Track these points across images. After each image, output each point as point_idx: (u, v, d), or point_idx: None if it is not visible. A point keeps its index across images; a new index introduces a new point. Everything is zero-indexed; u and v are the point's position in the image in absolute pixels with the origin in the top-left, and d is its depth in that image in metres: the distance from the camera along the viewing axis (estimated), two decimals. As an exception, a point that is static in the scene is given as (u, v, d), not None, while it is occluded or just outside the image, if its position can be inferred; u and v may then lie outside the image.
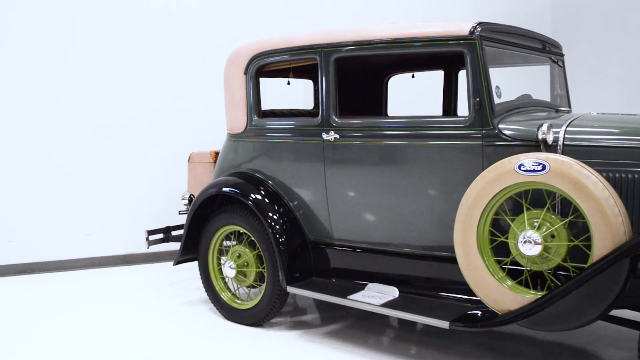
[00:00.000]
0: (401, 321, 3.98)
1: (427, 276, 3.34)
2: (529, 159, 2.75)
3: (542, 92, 4.03)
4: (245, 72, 3.85)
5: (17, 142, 5.18)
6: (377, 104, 4.79)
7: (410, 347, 3.57)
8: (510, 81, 4.21)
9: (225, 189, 3.85)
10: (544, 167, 2.71)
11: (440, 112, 4.59)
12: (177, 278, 5.06)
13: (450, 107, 4.56)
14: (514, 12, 6.77)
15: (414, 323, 3.92)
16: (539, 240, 2.71)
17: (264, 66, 3.80)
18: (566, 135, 2.92)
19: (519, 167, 2.77)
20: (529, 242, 2.74)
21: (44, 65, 5.23)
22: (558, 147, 2.92)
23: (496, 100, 3.07)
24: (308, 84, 4.79)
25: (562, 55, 3.91)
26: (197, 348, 3.56)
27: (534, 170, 2.72)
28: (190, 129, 5.53)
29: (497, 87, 3.11)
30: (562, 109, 3.42)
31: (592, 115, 3.20)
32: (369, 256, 3.54)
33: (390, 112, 4.85)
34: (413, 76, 4.64)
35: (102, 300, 4.49)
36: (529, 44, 3.54)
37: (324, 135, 3.50)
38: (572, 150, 2.90)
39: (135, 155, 5.45)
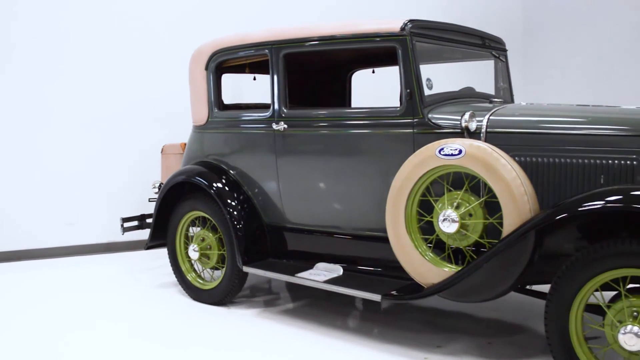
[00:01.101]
0: (358, 301, 4.24)
1: (370, 255, 3.59)
2: (447, 145, 3.00)
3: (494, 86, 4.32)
4: (206, 68, 4.13)
5: (2, 135, 5.46)
6: (341, 97, 5.04)
7: (359, 323, 3.84)
8: (462, 75, 4.49)
9: (189, 178, 4.12)
10: (460, 152, 2.96)
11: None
12: (154, 264, 5.34)
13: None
14: (485, 11, 7.02)
15: (370, 302, 4.19)
16: (456, 218, 2.97)
17: (223, 62, 4.07)
18: (489, 123, 3.17)
19: (439, 151, 3.02)
20: (447, 220, 3.00)
21: (33, 64, 5.52)
22: (481, 134, 3.17)
23: (427, 92, 3.32)
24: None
25: (504, 50, 4.14)
26: (164, 326, 3.81)
27: (451, 155, 2.98)
28: (165, 122, 5.77)
29: (428, 80, 3.36)
30: (497, 100, 3.65)
31: (516, 105, 3.45)
32: (319, 238, 3.80)
33: (354, 105, 5.10)
34: (373, 72, 4.89)
35: (82, 287, 4.74)
36: (468, 40, 3.78)
37: (274, 126, 3.77)
38: (493, 136, 3.15)
39: (116, 148, 5.72)
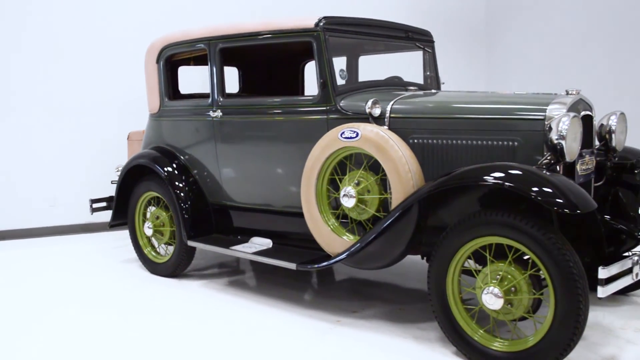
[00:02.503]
0: (296, 273, 4.63)
1: (297, 230, 3.95)
2: (347, 128, 3.37)
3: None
4: (157, 62, 4.52)
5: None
6: (294, 86, 5.40)
7: (293, 292, 4.23)
8: (397, 65, 4.82)
9: (142, 162, 4.53)
10: (357, 135, 3.32)
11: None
12: (124, 242, 5.72)
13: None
14: (449, 7, 7.35)
15: (306, 274, 4.58)
16: (354, 194, 3.34)
17: (171, 56, 4.46)
18: (392, 109, 3.52)
19: (341, 135, 3.39)
20: (346, 196, 3.37)
21: (19, 57, 5.95)
22: (385, 119, 3.52)
23: (340, 82, 3.67)
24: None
25: (431, 42, 4.47)
26: (121, 296, 4.21)
27: (350, 137, 3.34)
28: (133, 111, 6.10)
29: (342, 70, 3.71)
30: (411, 87, 3.99)
31: (421, 93, 3.78)
32: (255, 215, 4.19)
33: (307, 93, 5.46)
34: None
35: (55, 264, 5.13)
36: (388, 33, 4.11)
37: (211, 113, 4.16)
38: (395, 121, 3.49)
39: (93, 135, 6.11)
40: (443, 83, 4.53)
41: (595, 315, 3.60)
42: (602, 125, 3.55)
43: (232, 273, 4.75)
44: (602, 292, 2.58)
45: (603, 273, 2.57)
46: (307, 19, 3.64)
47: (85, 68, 6.13)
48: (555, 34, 6.22)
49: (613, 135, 3.52)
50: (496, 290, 2.83)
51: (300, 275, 4.60)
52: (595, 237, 2.98)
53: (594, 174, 3.40)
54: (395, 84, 4.12)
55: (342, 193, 3.38)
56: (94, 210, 5.20)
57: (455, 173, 2.97)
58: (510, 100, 3.38)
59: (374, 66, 4.99)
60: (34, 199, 6.02)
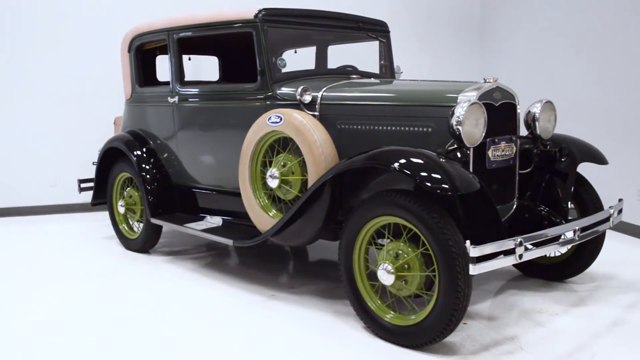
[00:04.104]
0: (254, 251, 4.89)
1: (243, 210, 4.19)
2: (273, 114, 3.58)
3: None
4: (129, 51, 4.84)
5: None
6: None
7: (244, 269, 4.49)
8: (360, 55, 4.96)
9: (115, 144, 4.86)
10: (280, 119, 3.53)
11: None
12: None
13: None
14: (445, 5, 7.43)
15: (260, 252, 4.84)
16: (277, 175, 3.55)
17: (141, 46, 4.77)
18: (322, 97, 3.70)
19: (268, 120, 3.61)
20: (271, 177, 3.58)
21: (17, 48, 6.41)
22: (316, 106, 3.71)
23: (282, 70, 3.88)
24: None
25: (386, 32, 4.60)
26: (93, 267, 4.57)
27: (275, 122, 3.55)
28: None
29: (282, 59, 3.91)
30: (354, 76, 4.15)
31: (353, 82, 3.92)
32: (212, 195, 4.45)
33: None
34: (295, 52, 5.44)
35: (47, 239, 5.56)
36: (337, 24, 4.27)
37: (169, 99, 4.44)
38: (325, 107, 3.68)
39: (90, 120, 6.50)
40: (401, 72, 4.66)
41: (520, 299, 3.71)
42: (528, 113, 3.63)
43: (199, 251, 5.05)
44: (473, 269, 2.70)
45: (474, 252, 2.69)
46: (248, 11, 3.86)
47: (84, 55, 6.51)
48: (549, 26, 6.20)
49: (537, 123, 3.60)
50: (389, 266, 3.00)
51: (262, 253, 4.86)
52: (491, 217, 3.08)
53: (514, 160, 3.48)
54: (343, 73, 4.29)
55: (267, 174, 3.60)
56: (81, 189, 5.59)
57: (355, 157, 3.13)
58: (429, 88, 3.51)
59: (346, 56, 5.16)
60: (37, 179, 6.48)
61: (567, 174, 3.69)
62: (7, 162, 6.40)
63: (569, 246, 3.83)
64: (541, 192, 3.73)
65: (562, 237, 3.25)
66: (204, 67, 6.29)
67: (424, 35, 7.41)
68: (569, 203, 3.71)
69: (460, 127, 3.01)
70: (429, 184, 2.80)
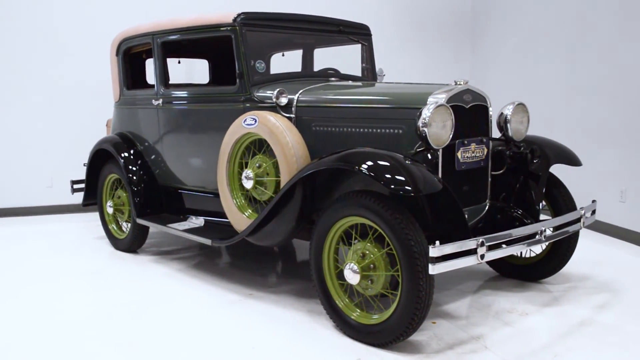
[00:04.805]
0: (239, 252, 4.96)
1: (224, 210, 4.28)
2: (249, 116, 3.65)
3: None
4: (117, 54, 4.94)
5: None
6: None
7: (228, 268, 4.56)
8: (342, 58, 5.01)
9: (104, 146, 4.96)
10: (255, 121, 3.60)
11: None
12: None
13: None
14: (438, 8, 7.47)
15: (246, 252, 4.91)
16: (252, 176, 3.62)
17: (128, 49, 4.86)
18: (298, 99, 3.77)
19: (244, 122, 3.68)
20: (246, 178, 3.66)
21: (12, 48, 6.54)
22: (292, 108, 3.78)
23: (258, 73, 3.95)
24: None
25: (367, 35, 4.66)
26: (81, 266, 4.66)
27: (250, 124, 3.63)
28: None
29: (260, 62, 3.98)
30: (333, 79, 4.21)
31: (331, 84, 3.98)
32: (196, 196, 4.53)
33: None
34: (283, 55, 5.51)
35: (39, 238, 5.69)
36: (317, 28, 4.34)
37: (154, 102, 4.53)
38: (301, 110, 3.75)
39: (86, 122, 6.61)
40: (384, 75, 4.72)
41: (493, 299, 3.74)
42: (500, 114, 3.67)
43: (187, 251, 5.13)
44: (432, 269, 2.74)
45: (434, 252, 2.74)
46: (227, 15, 3.93)
47: (81, 57, 6.62)
48: (539, 30, 6.23)
49: (509, 125, 3.64)
50: (355, 266, 3.05)
51: (250, 252, 4.94)
52: (456, 218, 3.12)
53: (485, 162, 3.52)
54: (324, 75, 4.35)
55: (243, 175, 3.67)
56: (74, 190, 5.70)
57: (324, 158, 3.19)
58: (401, 91, 3.56)
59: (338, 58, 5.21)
60: (34, 181, 6.60)
61: (539, 176, 3.72)
62: (5, 163, 6.54)
63: (543, 246, 3.87)
64: (515, 194, 3.77)
65: (537, 237, 3.27)
66: (196, 71, 6.40)
67: (414, 39, 7.46)
68: (542, 204, 3.75)
69: (426, 129, 3.06)
70: (392, 186, 2.86)
